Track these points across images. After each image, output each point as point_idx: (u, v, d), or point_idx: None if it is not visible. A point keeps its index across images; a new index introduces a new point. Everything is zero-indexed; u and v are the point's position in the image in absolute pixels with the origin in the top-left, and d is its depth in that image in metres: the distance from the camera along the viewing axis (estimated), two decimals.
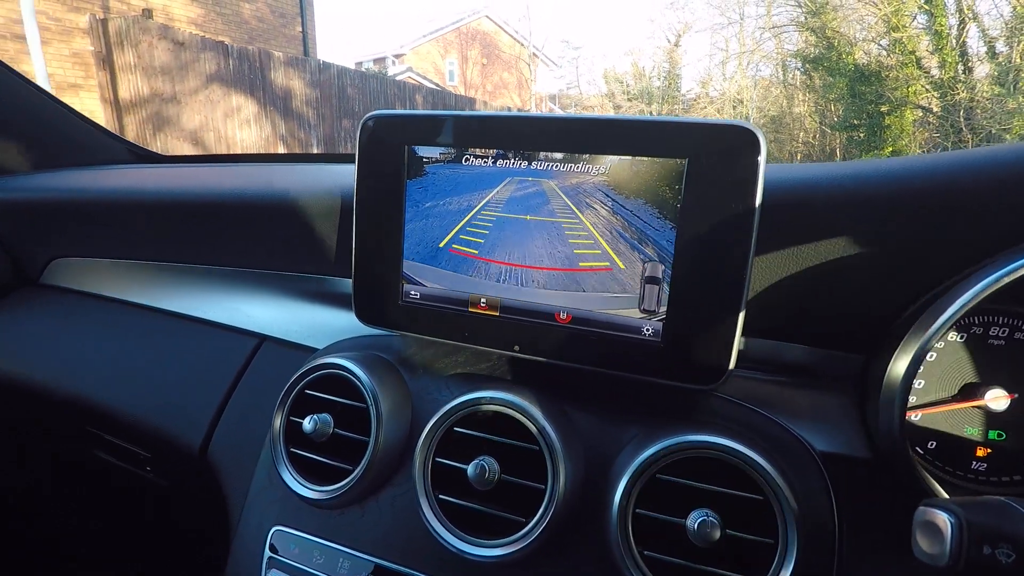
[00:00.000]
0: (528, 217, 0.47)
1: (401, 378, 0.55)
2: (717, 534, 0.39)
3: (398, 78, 10.40)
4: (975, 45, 9.36)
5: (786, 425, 0.46)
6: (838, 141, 11.36)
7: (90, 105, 5.51)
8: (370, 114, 0.52)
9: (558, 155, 0.46)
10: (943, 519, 0.28)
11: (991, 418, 0.43)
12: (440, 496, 0.47)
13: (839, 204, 0.44)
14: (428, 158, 0.50)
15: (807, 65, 11.43)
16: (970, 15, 9.16)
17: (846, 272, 0.45)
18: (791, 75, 13.81)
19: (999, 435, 0.43)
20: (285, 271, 0.69)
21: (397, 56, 15.28)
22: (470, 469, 0.45)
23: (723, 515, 0.40)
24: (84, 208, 0.77)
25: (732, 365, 0.43)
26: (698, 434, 0.43)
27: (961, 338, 0.44)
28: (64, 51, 5.41)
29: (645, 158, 0.43)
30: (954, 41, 9.18)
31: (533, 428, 0.46)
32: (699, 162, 0.42)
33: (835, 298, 0.46)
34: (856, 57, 10.29)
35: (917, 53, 9.34)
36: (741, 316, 0.42)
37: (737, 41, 14.83)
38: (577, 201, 0.46)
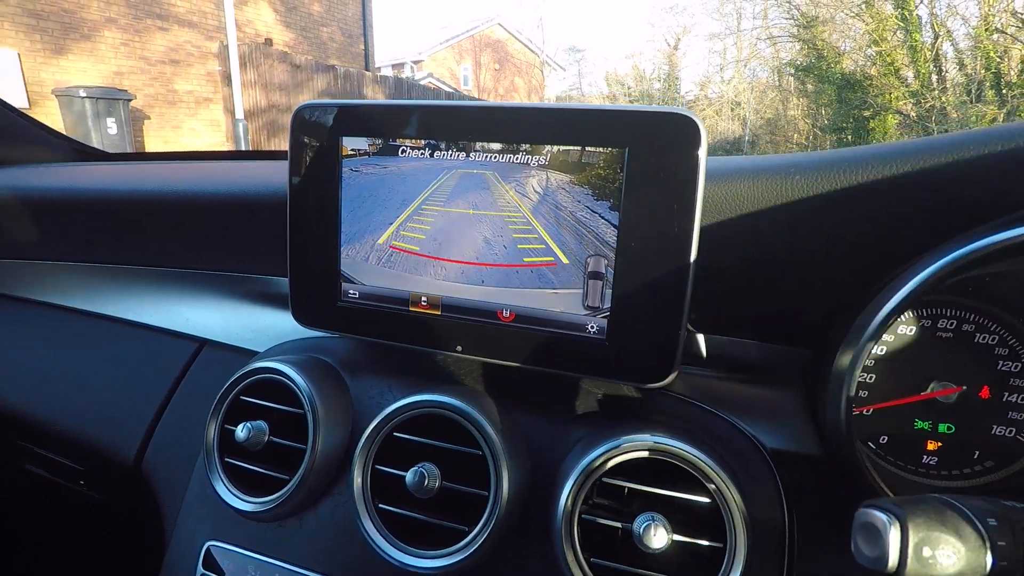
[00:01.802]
0: (472, 211, 0.45)
1: (342, 382, 0.53)
2: (664, 539, 0.37)
3: (421, 83, 11.84)
4: (949, 57, 10.67)
5: (736, 423, 0.46)
6: (828, 143, 12.45)
7: (216, 115, 6.73)
8: (302, 104, 0.49)
9: (497, 146, 0.44)
10: (883, 521, 0.27)
11: (941, 411, 0.43)
12: (380, 506, 0.45)
13: (783, 196, 0.43)
14: (364, 150, 0.48)
15: (799, 72, 12.76)
16: (943, 31, 10.51)
17: (792, 265, 0.44)
18: (785, 80, 15.02)
19: (949, 428, 0.43)
20: (226, 271, 0.66)
21: (416, 62, 16.37)
22: (408, 476, 0.42)
23: (671, 518, 0.38)
24: (9, 208, 0.73)
25: (679, 362, 0.42)
26: (645, 435, 0.41)
27: (910, 331, 0.43)
28: (201, 71, 6.62)
29: (585, 148, 0.42)
30: (928, 53, 10.51)
31: (475, 432, 0.44)
32: (639, 151, 0.40)
33: (782, 292, 0.45)
34: (844, 66, 11.49)
35: (896, 64, 10.66)
36: (687, 311, 0.41)
37: (735, 46, 15.78)
38: (520, 193, 0.44)
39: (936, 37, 10.66)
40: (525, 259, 0.45)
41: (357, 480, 0.45)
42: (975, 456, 0.43)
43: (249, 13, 7.36)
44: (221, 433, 0.51)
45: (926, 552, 0.25)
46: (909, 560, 0.25)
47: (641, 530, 0.38)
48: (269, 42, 7.45)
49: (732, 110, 16.11)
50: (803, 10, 12.60)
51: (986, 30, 9.45)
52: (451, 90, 13.17)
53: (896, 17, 10.90)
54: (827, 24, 12.44)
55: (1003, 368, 0.42)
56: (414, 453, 0.44)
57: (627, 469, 0.41)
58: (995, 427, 0.42)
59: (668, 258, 0.41)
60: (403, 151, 0.47)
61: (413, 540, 0.44)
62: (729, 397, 0.47)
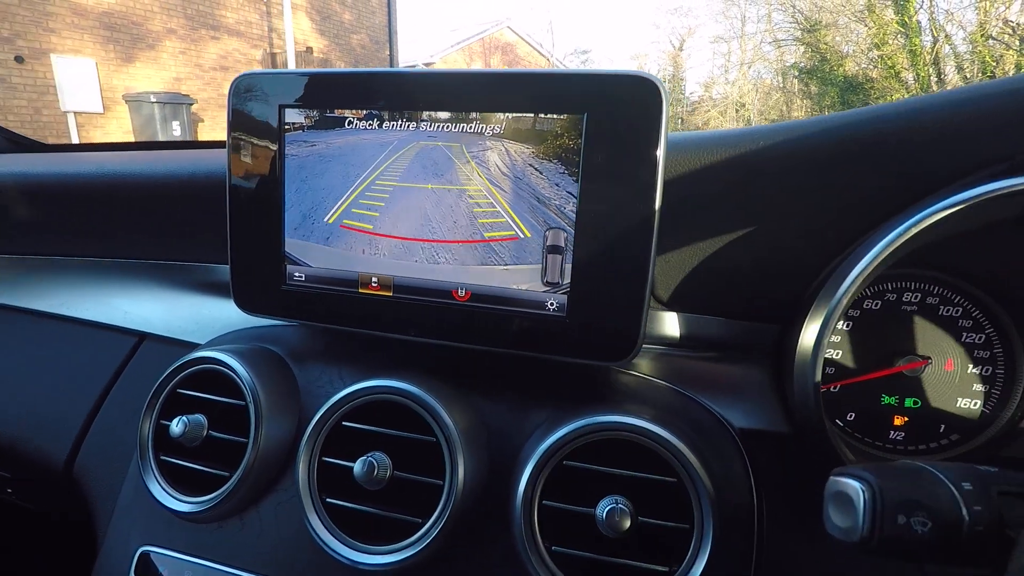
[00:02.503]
0: (430, 186, 0.43)
1: (288, 371, 0.50)
2: (627, 522, 0.36)
3: None
4: (949, 60, 11.12)
5: (703, 402, 0.44)
6: None
7: None
8: (241, 74, 0.46)
9: (449, 115, 0.42)
10: (855, 488, 0.25)
11: (907, 386, 0.43)
12: (328, 500, 0.42)
13: (748, 167, 0.42)
14: (307, 123, 0.45)
15: (803, 75, 13.21)
16: (942, 35, 10.96)
17: (757, 239, 0.43)
18: (789, 82, 15.44)
19: (915, 402, 0.43)
20: (167, 260, 0.63)
21: (427, 64, 16.93)
22: (356, 467, 0.40)
23: (636, 501, 0.37)
24: None
25: (643, 338, 0.40)
26: (608, 415, 0.39)
27: (876, 305, 0.43)
28: None
29: (542, 115, 0.40)
30: (928, 57, 10.96)
31: (428, 417, 0.41)
32: (598, 117, 0.38)
33: (748, 267, 0.44)
34: (846, 69, 11.98)
35: (897, 68, 11.11)
36: (650, 284, 0.39)
37: (739, 48, 16.10)
38: (479, 165, 0.42)
39: (935, 41, 11.13)
40: (486, 234, 0.42)
41: (302, 473, 0.42)
42: (941, 430, 0.43)
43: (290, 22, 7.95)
44: (156, 429, 0.48)
45: (900, 519, 0.24)
46: (881, 528, 0.24)
47: (604, 514, 0.36)
48: (310, 50, 8.16)
49: (737, 111, 16.47)
50: (807, 14, 13.05)
51: (982, 36, 9.93)
52: None
53: (897, 22, 11.39)
54: (830, 28, 12.90)
55: (967, 340, 0.42)
56: (364, 443, 0.42)
57: (590, 451, 0.39)
58: (960, 400, 0.42)
59: (630, 229, 0.39)
60: (350, 123, 0.44)
61: (364, 535, 0.41)
62: (695, 376, 0.46)
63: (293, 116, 0.45)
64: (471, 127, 0.42)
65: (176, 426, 0.45)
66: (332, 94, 0.44)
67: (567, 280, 0.41)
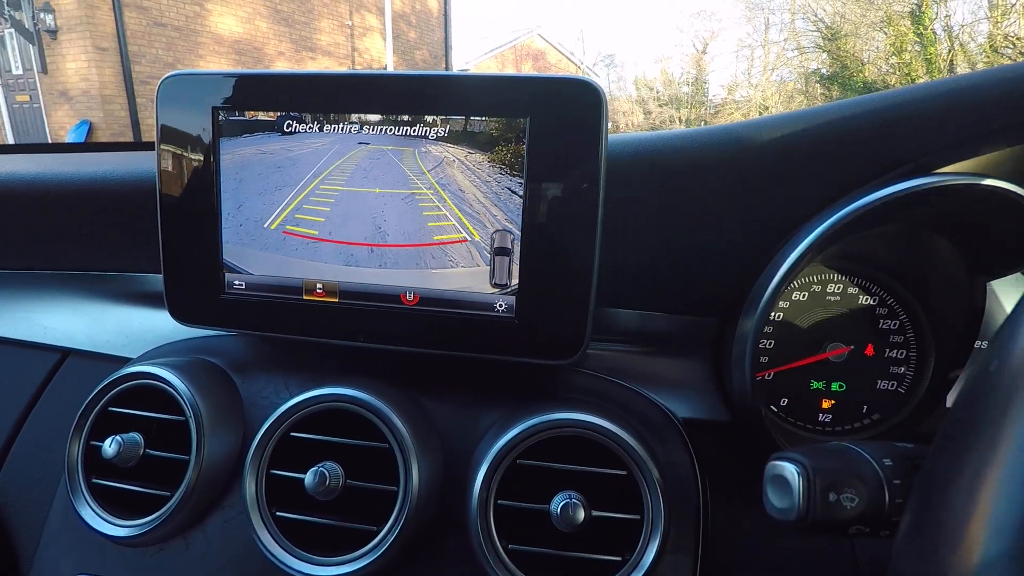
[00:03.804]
0: (378, 190, 0.42)
1: (230, 383, 0.48)
2: (581, 516, 0.37)
3: None
4: (963, 69, 11.81)
5: (648, 395, 0.46)
6: None
7: None
8: (169, 74, 0.44)
9: (393, 118, 0.41)
10: (791, 471, 0.28)
11: (833, 370, 0.45)
12: (278, 513, 0.41)
13: (685, 167, 0.44)
14: (243, 125, 0.43)
15: (823, 82, 13.95)
16: (956, 44, 11.68)
17: (692, 236, 0.45)
18: (812, 86, 16.08)
19: (840, 386, 0.46)
20: (90, 271, 0.59)
21: (462, 71, 18.00)
22: (308, 478, 0.39)
23: (588, 495, 0.38)
24: None
25: (589, 336, 0.41)
26: (557, 413, 0.41)
27: (803, 297, 0.45)
28: None
29: (488, 119, 0.40)
30: (943, 64, 11.67)
31: (380, 424, 0.41)
32: (540, 121, 0.39)
33: (686, 263, 0.46)
34: (866, 75, 12.73)
35: (914, 75, 11.80)
36: (595, 284, 0.40)
37: (763, 51, 16.56)
38: (425, 169, 0.42)
39: (950, 50, 11.85)
40: (435, 237, 0.42)
41: (250, 487, 0.41)
42: (864, 410, 0.46)
43: (366, 42, 9.80)
44: (86, 450, 0.45)
45: (831, 497, 0.26)
46: (815, 506, 0.26)
47: (559, 509, 0.37)
48: (386, 68, 9.39)
49: (760, 114, 16.97)
50: (828, 23, 13.81)
51: (991, 47, 10.70)
52: None
53: (914, 32, 12.15)
54: (850, 37, 13.61)
55: (884, 327, 0.45)
56: (315, 453, 0.41)
57: (542, 449, 0.40)
58: (879, 382, 0.46)
59: (575, 230, 0.40)
60: (289, 125, 0.43)
61: (318, 547, 0.40)
62: (640, 370, 0.48)
63: (228, 118, 0.43)
64: (416, 130, 0.41)
65: (109, 447, 0.42)
66: (269, 96, 0.43)
67: (515, 281, 0.42)
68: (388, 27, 9.49)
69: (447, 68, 11.46)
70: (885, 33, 13.01)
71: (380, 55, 9.98)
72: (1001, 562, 0.15)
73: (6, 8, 6.63)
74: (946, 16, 11.84)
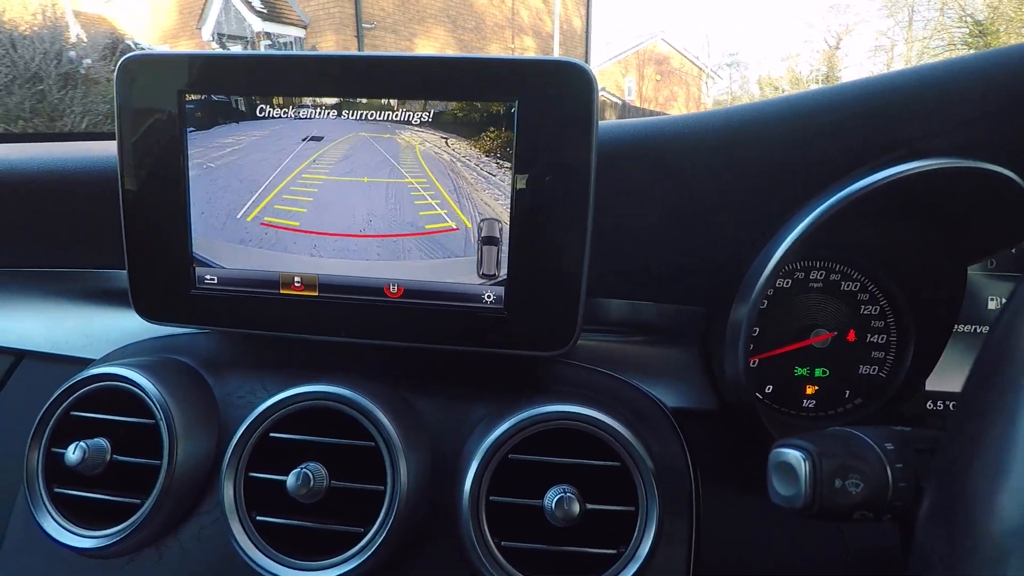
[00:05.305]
0: (366, 179, 0.41)
1: (204, 383, 0.47)
2: (576, 509, 0.36)
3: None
4: None
5: (638, 385, 0.46)
6: None
7: None
8: (128, 55, 0.41)
9: (375, 103, 0.40)
10: (796, 458, 0.27)
11: (817, 356, 0.46)
12: (258, 518, 0.39)
13: (677, 154, 0.43)
14: (212, 110, 0.41)
15: None
16: None
17: (685, 222, 0.45)
18: None
19: (824, 372, 0.46)
20: (47, 267, 0.56)
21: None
22: (290, 480, 0.38)
23: (582, 488, 0.37)
24: None
25: (580, 327, 0.41)
26: (548, 405, 0.40)
27: (787, 284, 0.46)
28: None
29: (475, 103, 0.39)
30: None
31: (365, 421, 0.40)
32: (529, 104, 0.38)
33: (674, 251, 0.46)
34: None
35: None
36: (586, 272, 0.40)
37: (905, 46, 14.26)
38: (410, 155, 0.40)
39: None
40: (428, 226, 0.41)
41: (228, 491, 0.40)
42: (846, 395, 0.47)
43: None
44: (47, 458, 0.42)
45: (837, 483, 0.26)
46: (821, 493, 0.26)
47: (553, 504, 0.36)
48: None
49: None
50: (977, 19, 11.57)
51: None
52: (618, 101, 14.92)
53: None
54: (1002, 35, 11.32)
55: (865, 312, 0.46)
56: (297, 454, 0.39)
57: (534, 443, 0.39)
58: (861, 367, 0.47)
59: (565, 218, 0.39)
60: (262, 110, 0.41)
61: (303, 552, 0.39)
62: (629, 360, 0.47)
63: (195, 103, 0.41)
64: (400, 115, 0.40)
65: (72, 453, 0.40)
66: (240, 79, 0.41)
67: (503, 271, 0.41)
68: (556, 50, 10.93)
69: None
70: None
71: None
72: None
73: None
74: None
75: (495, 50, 11.45)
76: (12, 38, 5.30)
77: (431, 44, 10.43)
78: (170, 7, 10.67)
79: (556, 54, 10.52)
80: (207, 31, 9.81)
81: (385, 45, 9.58)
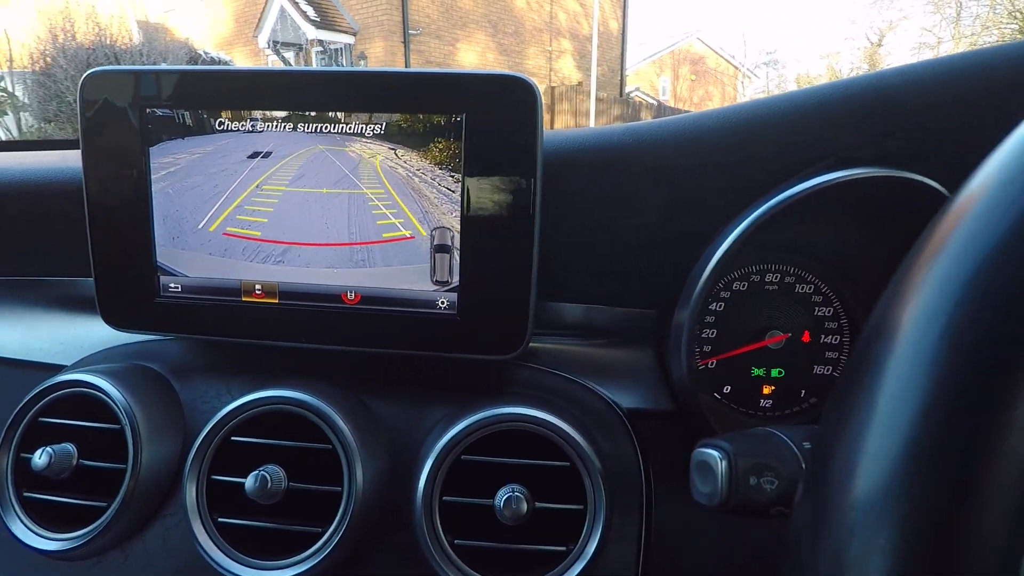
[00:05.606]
0: (324, 190, 0.42)
1: (170, 389, 0.48)
2: (524, 508, 0.37)
3: (631, 96, 14.92)
4: None
5: (592, 387, 0.47)
6: None
7: None
8: (91, 70, 0.43)
9: (328, 116, 0.41)
10: (714, 457, 0.29)
11: (772, 357, 0.47)
12: (219, 519, 0.41)
13: (620, 162, 0.44)
14: (172, 125, 0.42)
15: None
16: None
17: (632, 228, 0.46)
18: None
19: (779, 372, 0.47)
20: (18, 275, 0.57)
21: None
22: (248, 482, 0.39)
23: (533, 488, 0.39)
24: None
25: (531, 331, 0.42)
26: (500, 408, 0.41)
27: (743, 287, 0.47)
28: None
29: (425, 116, 0.40)
30: None
31: (323, 425, 0.41)
32: (476, 118, 0.39)
33: (624, 256, 0.47)
34: None
35: None
36: (535, 278, 0.41)
37: (952, 43, 13.93)
38: (365, 167, 0.42)
39: None
40: (385, 235, 0.42)
41: (190, 494, 0.41)
42: (802, 395, 0.48)
43: (561, 63, 12.51)
44: (16, 463, 0.44)
45: (752, 481, 0.27)
46: (736, 490, 0.28)
47: (502, 503, 0.37)
48: (580, 84, 11.99)
49: None
50: None
51: None
52: (653, 101, 15.28)
53: None
54: None
55: (819, 313, 0.47)
56: (257, 457, 0.41)
57: (487, 444, 0.41)
58: (816, 367, 0.48)
59: (513, 225, 0.40)
60: (221, 124, 0.42)
61: (263, 552, 0.40)
62: (586, 363, 0.48)
63: (156, 117, 0.42)
64: (353, 128, 0.41)
65: (39, 458, 0.41)
66: (199, 94, 0.42)
67: (456, 278, 0.42)
68: (594, 52, 11.77)
69: (621, 80, 12.09)
70: None
71: (572, 73, 11.74)
72: (878, 493, 0.17)
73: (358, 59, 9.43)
74: None
75: (533, 53, 12.13)
76: (115, 52, 5.68)
77: (473, 48, 11.01)
78: (227, 17, 11.43)
79: (594, 56, 11.87)
80: (263, 39, 10.29)
81: (430, 50, 10.32)
